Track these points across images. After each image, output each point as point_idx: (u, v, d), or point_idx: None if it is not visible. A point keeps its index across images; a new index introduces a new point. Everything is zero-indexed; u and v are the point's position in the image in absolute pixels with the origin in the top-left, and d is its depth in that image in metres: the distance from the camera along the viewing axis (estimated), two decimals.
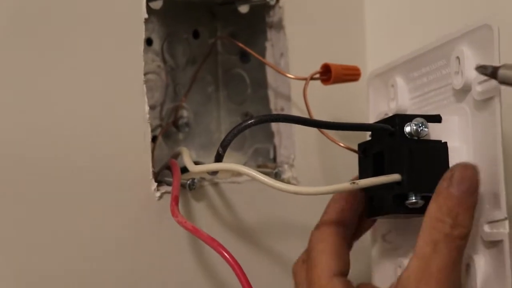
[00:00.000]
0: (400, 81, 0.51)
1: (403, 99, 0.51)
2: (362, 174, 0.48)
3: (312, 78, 0.53)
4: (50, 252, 0.46)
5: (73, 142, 0.47)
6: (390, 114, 0.51)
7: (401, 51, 0.52)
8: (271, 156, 0.59)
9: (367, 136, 0.50)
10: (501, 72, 0.40)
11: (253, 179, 0.44)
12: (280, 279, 0.54)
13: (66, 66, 0.47)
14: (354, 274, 0.49)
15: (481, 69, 0.42)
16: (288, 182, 0.57)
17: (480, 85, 0.43)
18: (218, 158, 0.45)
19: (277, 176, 0.56)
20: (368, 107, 0.55)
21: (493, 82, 0.42)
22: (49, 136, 0.46)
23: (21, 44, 0.45)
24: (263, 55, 0.58)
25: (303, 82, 0.53)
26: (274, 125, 0.58)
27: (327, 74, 0.53)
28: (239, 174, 0.51)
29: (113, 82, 0.49)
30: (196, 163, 0.49)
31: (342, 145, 0.50)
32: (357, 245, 0.52)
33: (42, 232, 0.46)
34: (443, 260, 0.40)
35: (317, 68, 0.53)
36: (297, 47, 0.57)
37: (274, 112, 0.58)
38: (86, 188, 0.47)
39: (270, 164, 0.59)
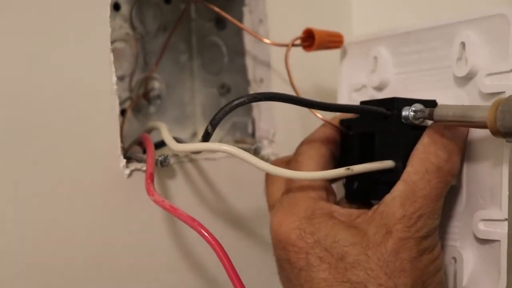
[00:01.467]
0: (385, 53, 0.50)
1: (386, 73, 0.50)
2: (347, 153, 0.47)
3: (293, 44, 0.51)
4: (15, 235, 0.44)
5: (33, 116, 0.44)
6: (370, 87, 0.51)
7: (387, 21, 0.50)
8: (250, 130, 0.57)
9: None
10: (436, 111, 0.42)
11: (246, 162, 0.42)
12: (262, 257, 0.52)
13: (25, 32, 0.43)
14: None
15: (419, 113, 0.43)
16: (268, 159, 0.54)
17: (489, 78, 0.42)
18: (206, 137, 0.43)
19: (256, 152, 0.54)
20: (341, 76, 0.53)
21: (506, 76, 0.41)
22: (8, 109, 0.43)
23: None
24: (240, 22, 0.55)
25: (283, 49, 0.51)
26: None
27: (310, 40, 0.51)
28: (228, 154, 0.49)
29: (76, 50, 0.46)
30: (175, 139, 0.47)
31: (320, 116, 0.48)
32: None
33: (6, 213, 0.43)
34: (430, 189, 0.42)
35: (297, 19, 0.52)
36: (277, 13, 0.55)
37: (253, 84, 0.55)
38: (50, 166, 0.45)
39: (248, 139, 0.57)
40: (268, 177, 0.49)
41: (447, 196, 0.44)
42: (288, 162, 0.48)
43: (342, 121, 0.48)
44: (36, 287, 0.45)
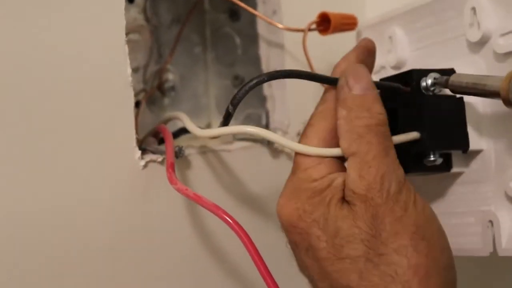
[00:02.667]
0: (399, 32, 0.50)
1: (403, 51, 0.50)
2: None
3: (309, 29, 0.51)
4: (33, 227, 0.44)
5: (50, 109, 0.45)
6: (388, 67, 0.52)
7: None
8: (263, 122, 0.57)
9: None
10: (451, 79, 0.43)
11: (273, 141, 0.43)
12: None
13: (41, 25, 0.44)
14: None
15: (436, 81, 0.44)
16: (282, 151, 0.55)
17: (503, 38, 0.42)
18: (228, 118, 0.44)
19: (269, 143, 0.54)
20: None
21: None
22: (25, 103, 0.44)
23: None
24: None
25: (297, 38, 0.51)
26: (267, 89, 0.57)
27: (325, 24, 0.52)
28: (231, 141, 0.50)
29: (92, 42, 0.46)
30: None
31: None
32: None
33: (25, 205, 0.44)
34: (376, 149, 0.42)
35: (310, 6, 0.52)
36: (290, 3, 0.55)
37: None
38: (66, 159, 0.45)
39: None
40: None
41: (475, 162, 0.44)
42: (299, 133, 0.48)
43: None
44: (55, 277, 0.45)
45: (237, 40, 0.59)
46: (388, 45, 0.51)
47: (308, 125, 0.45)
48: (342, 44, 0.54)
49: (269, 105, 0.57)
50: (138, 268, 0.49)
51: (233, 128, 0.44)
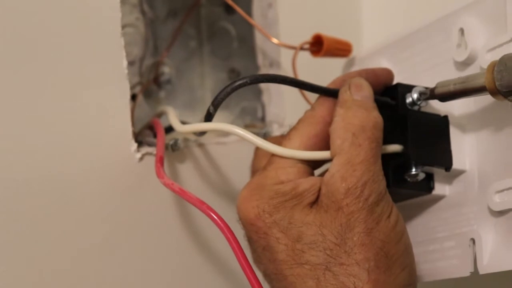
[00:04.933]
0: (385, 64, 0.51)
1: None
2: None
3: (301, 48, 0.52)
4: (27, 219, 0.45)
5: (45, 100, 0.46)
6: None
7: (397, 27, 0.51)
8: (259, 115, 0.58)
9: None
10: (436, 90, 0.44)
11: (245, 140, 0.44)
12: None
13: (37, 17, 0.45)
14: None
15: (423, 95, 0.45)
16: (276, 138, 0.56)
17: (490, 53, 0.43)
18: (209, 118, 0.45)
19: (266, 136, 0.56)
20: None
21: (507, 48, 0.42)
22: (21, 95, 0.45)
23: None
24: (249, 6, 0.56)
25: (293, 35, 0.52)
26: None
27: (318, 46, 0.52)
28: (227, 134, 0.51)
29: (87, 34, 0.47)
30: (182, 122, 0.48)
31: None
32: None
33: (19, 197, 0.45)
34: (365, 153, 0.42)
35: (309, 22, 0.53)
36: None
37: (262, 68, 0.57)
38: (62, 150, 0.46)
39: (258, 123, 0.58)
40: (257, 149, 0.50)
41: (458, 185, 0.45)
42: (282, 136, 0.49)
43: None
44: (49, 271, 0.46)
45: (233, 34, 0.60)
46: None
47: (293, 128, 0.46)
48: (336, 67, 0.55)
49: (265, 98, 0.58)
50: (131, 260, 0.50)
51: (212, 124, 0.45)
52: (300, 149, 0.44)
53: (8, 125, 0.44)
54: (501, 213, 0.43)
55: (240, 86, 0.43)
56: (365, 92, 0.44)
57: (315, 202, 0.43)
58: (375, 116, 0.44)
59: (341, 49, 0.53)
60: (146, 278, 0.51)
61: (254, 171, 0.49)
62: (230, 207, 0.52)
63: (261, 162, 0.48)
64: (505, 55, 0.40)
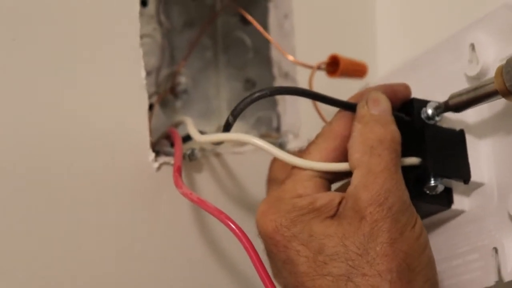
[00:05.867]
0: None
1: None
2: None
3: (318, 68, 0.53)
4: (45, 225, 0.46)
5: (65, 110, 0.47)
6: None
7: (413, 48, 0.52)
8: (274, 125, 0.59)
9: None
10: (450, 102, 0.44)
11: (263, 150, 0.44)
12: None
13: (58, 29, 0.46)
14: None
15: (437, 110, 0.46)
16: (294, 153, 0.56)
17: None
18: (227, 128, 0.45)
19: (281, 146, 0.56)
20: None
21: None
22: (41, 104, 0.46)
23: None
24: (265, 16, 0.57)
25: (309, 45, 0.52)
26: None
27: (334, 66, 0.53)
28: (243, 144, 0.51)
29: (107, 46, 0.48)
30: (200, 132, 0.49)
31: None
32: None
33: (37, 204, 0.46)
34: (386, 162, 0.43)
35: (325, 34, 0.53)
36: (302, 7, 0.57)
37: (278, 78, 0.57)
38: (81, 159, 0.47)
39: (273, 133, 0.59)
40: (273, 161, 0.50)
41: (477, 199, 0.45)
42: (300, 150, 0.49)
43: None
44: (67, 277, 0.47)
45: (249, 44, 0.61)
46: None
47: (312, 142, 0.46)
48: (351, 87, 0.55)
49: (280, 107, 0.58)
50: (148, 269, 0.50)
51: (230, 135, 0.45)
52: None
53: (24, 135, 0.45)
54: None
55: (260, 97, 0.44)
56: (382, 107, 0.45)
57: (334, 215, 0.43)
58: (393, 130, 0.44)
59: (356, 70, 0.54)
60: (162, 286, 0.51)
61: (271, 183, 0.50)
62: (247, 216, 0.53)
63: (277, 174, 0.49)
64: (510, 57, 0.41)
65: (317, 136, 0.46)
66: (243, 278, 0.54)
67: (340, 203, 0.43)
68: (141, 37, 0.50)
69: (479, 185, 0.46)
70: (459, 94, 0.44)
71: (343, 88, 0.53)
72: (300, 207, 0.43)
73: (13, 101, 0.44)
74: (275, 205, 0.44)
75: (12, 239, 0.45)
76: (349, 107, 0.46)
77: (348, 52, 0.53)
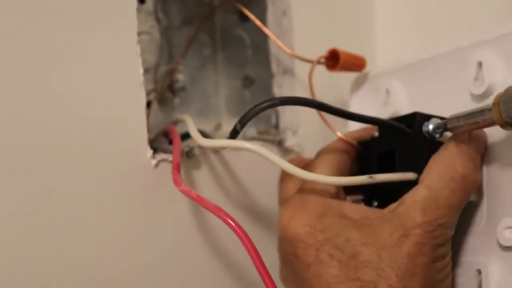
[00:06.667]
0: (398, 85, 0.51)
1: (400, 104, 0.51)
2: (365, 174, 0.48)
3: (318, 62, 0.53)
4: (42, 224, 0.46)
5: (63, 108, 0.47)
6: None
7: (411, 47, 0.51)
8: (273, 122, 0.59)
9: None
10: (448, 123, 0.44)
11: (269, 160, 0.45)
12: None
13: (56, 27, 0.46)
14: None
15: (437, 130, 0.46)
16: (292, 150, 0.57)
17: None
18: (234, 135, 0.46)
19: (280, 143, 0.56)
20: (351, 109, 0.55)
21: None
22: (38, 103, 0.46)
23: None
24: (264, 14, 0.57)
25: (307, 43, 0.53)
26: (276, 90, 0.58)
27: (333, 60, 0.53)
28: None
29: (105, 43, 0.48)
30: (201, 133, 0.49)
31: (342, 137, 0.50)
32: None
33: (35, 202, 0.46)
34: (454, 200, 0.43)
35: (324, 30, 0.53)
36: (300, 4, 0.57)
37: (276, 76, 0.57)
38: (78, 157, 0.47)
39: (272, 130, 0.59)
40: (284, 173, 0.52)
41: (466, 214, 0.45)
42: (306, 164, 0.50)
43: (360, 143, 0.50)
44: (66, 275, 0.47)
45: (247, 41, 0.61)
46: (384, 98, 0.52)
47: (319, 155, 0.49)
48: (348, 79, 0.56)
49: None
50: (147, 267, 0.50)
51: (233, 142, 0.46)
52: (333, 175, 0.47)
53: (22, 134, 0.45)
54: (510, 248, 0.43)
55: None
56: (481, 150, 0.45)
57: (372, 216, 0.45)
58: (478, 176, 0.44)
59: (355, 64, 0.54)
60: (161, 284, 0.51)
61: (285, 192, 0.51)
62: (245, 213, 0.53)
63: (291, 184, 0.50)
64: (509, 86, 0.41)
65: (320, 153, 0.49)
66: (242, 275, 0.54)
67: (372, 214, 0.45)
68: (139, 34, 0.50)
69: (469, 203, 0.45)
70: (458, 117, 0.44)
71: (340, 82, 0.54)
72: (332, 212, 0.45)
73: (12, 100, 0.45)
74: (304, 210, 0.46)
75: (10, 238, 0.45)
76: (352, 118, 0.46)
77: (346, 49, 0.54)
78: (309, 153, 0.56)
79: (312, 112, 0.57)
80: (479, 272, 0.45)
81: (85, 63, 0.47)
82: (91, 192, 0.48)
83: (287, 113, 0.58)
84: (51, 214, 0.46)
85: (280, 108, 0.58)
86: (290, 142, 0.58)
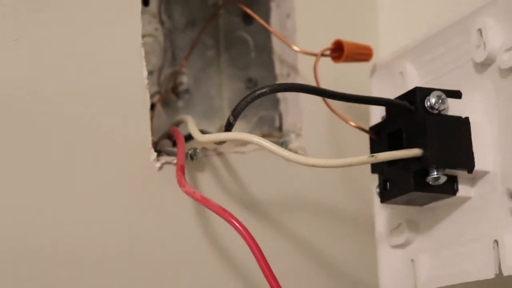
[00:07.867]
0: (410, 67, 0.51)
1: (413, 85, 0.50)
2: None
3: (322, 55, 0.53)
4: (46, 226, 0.47)
5: (67, 109, 0.47)
6: None
7: (414, 31, 0.52)
8: (277, 124, 0.59)
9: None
10: None
11: (265, 149, 0.44)
12: (290, 250, 0.55)
13: (60, 29, 0.46)
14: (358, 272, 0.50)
15: None
16: (296, 152, 0.57)
17: (508, 53, 0.43)
18: (228, 127, 0.45)
19: (283, 146, 0.56)
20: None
21: None
22: (42, 103, 0.46)
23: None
24: (267, 16, 0.57)
25: (310, 44, 0.53)
26: None
27: (338, 52, 0.53)
28: (246, 143, 0.52)
29: (109, 45, 0.49)
30: (201, 131, 0.50)
31: (353, 124, 0.50)
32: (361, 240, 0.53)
33: (37, 208, 0.46)
34: None
35: (327, 32, 0.54)
36: (304, 7, 0.57)
37: (280, 78, 0.58)
38: (82, 159, 0.48)
39: (275, 133, 0.59)
40: None
41: (481, 184, 0.45)
42: None
43: (371, 128, 0.50)
44: (69, 276, 0.48)
45: (251, 44, 0.61)
46: (399, 81, 0.52)
47: None
48: (356, 71, 0.56)
49: (282, 107, 0.58)
50: (151, 269, 0.51)
51: (231, 134, 0.46)
52: None
53: (25, 138, 0.46)
54: None
55: (260, 95, 0.44)
56: None
57: None
58: None
59: (362, 54, 0.54)
60: (166, 286, 0.52)
61: None
62: (249, 215, 0.53)
63: None
64: None
65: None
66: (247, 276, 0.54)
67: None
68: (143, 36, 0.50)
69: (484, 173, 0.45)
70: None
71: (347, 76, 0.54)
72: None
73: (13, 100, 0.45)
74: None
75: (13, 239, 0.45)
76: (348, 99, 0.46)
77: None
78: (313, 156, 0.56)
79: (316, 114, 0.57)
80: (497, 243, 0.44)
81: (89, 66, 0.48)
82: (94, 195, 0.48)
83: (290, 115, 0.58)
84: (55, 216, 0.47)
85: (283, 110, 0.58)
86: (293, 144, 0.58)
